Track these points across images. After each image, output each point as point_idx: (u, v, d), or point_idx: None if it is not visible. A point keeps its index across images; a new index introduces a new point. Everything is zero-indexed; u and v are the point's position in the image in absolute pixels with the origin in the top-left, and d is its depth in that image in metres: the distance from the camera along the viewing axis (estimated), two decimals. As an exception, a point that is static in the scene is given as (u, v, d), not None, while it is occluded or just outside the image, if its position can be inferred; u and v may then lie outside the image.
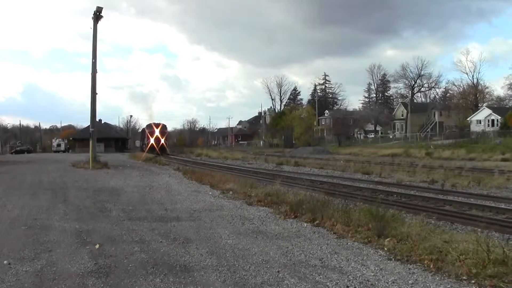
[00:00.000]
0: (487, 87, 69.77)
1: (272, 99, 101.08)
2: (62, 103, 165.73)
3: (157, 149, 45.16)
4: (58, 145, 73.64)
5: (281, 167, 26.60)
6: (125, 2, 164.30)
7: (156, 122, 52.18)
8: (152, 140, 47.00)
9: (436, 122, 70.84)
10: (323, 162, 29.10)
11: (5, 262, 5.23)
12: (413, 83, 73.47)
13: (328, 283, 4.49)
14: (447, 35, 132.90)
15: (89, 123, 27.16)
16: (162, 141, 48.01)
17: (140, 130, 74.62)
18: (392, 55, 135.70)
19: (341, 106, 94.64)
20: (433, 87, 76.40)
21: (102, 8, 23.36)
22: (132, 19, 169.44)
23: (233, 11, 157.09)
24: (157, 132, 48.13)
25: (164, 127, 51.74)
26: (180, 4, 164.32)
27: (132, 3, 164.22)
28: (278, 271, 4.88)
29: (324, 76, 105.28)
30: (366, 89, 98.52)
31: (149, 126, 50.88)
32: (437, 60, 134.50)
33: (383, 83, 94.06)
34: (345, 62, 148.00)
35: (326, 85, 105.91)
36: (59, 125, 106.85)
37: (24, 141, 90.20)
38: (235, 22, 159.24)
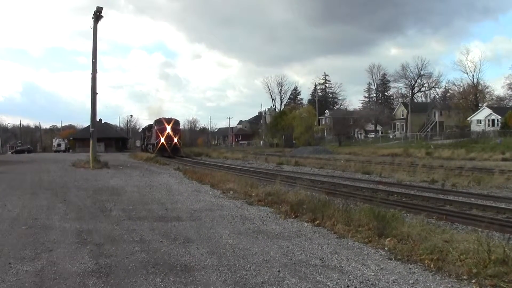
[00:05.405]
0: (487, 87, 69.94)
1: (273, 99, 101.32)
2: (62, 102, 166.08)
3: (168, 150, 38.46)
4: (59, 144, 73.68)
5: (281, 167, 26.58)
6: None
7: (167, 117, 42.79)
8: (162, 139, 39.15)
9: (436, 121, 70.89)
10: (323, 161, 29.08)
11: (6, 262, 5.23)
12: (413, 83, 73.58)
13: (328, 283, 4.49)
14: (451, 33, 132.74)
15: (89, 123, 27.15)
16: (175, 140, 39.85)
17: (140, 130, 71.62)
18: (395, 54, 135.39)
19: (341, 106, 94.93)
20: (433, 87, 76.58)
21: (102, 8, 23.33)
22: (130, 17, 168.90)
23: (233, 9, 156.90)
24: (168, 129, 39.69)
25: (176, 123, 42.35)
26: (180, 1, 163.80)
27: (131, 0, 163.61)
28: (279, 271, 4.87)
29: (324, 76, 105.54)
30: (366, 89, 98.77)
31: (159, 121, 41.63)
32: (440, 58, 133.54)
33: (383, 83, 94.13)
34: (347, 60, 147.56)
35: (327, 84, 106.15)
36: (59, 125, 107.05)
37: (24, 140, 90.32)
38: (235, 20, 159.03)
